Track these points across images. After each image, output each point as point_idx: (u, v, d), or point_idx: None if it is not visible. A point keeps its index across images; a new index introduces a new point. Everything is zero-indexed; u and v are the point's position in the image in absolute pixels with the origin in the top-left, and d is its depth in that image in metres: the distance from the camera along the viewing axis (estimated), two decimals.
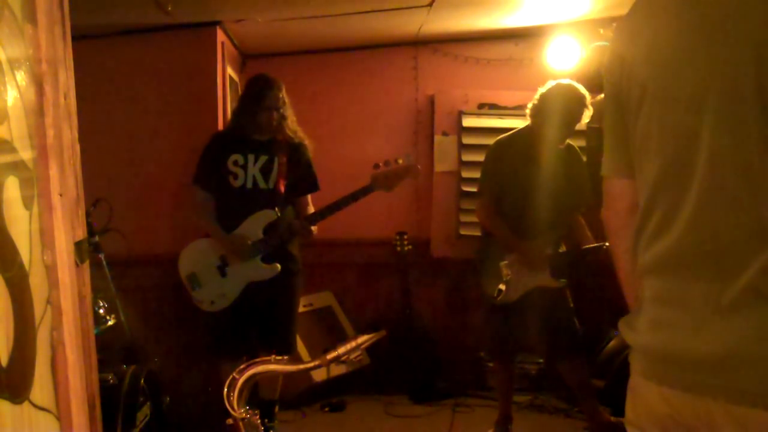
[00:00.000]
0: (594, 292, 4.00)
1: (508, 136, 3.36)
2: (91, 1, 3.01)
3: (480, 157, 3.47)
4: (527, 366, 4.09)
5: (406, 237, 4.24)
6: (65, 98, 1.37)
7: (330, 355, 1.42)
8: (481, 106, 4.36)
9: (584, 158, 3.47)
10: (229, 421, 1.38)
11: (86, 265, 1.52)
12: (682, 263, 1.09)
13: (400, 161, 3.14)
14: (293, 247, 3.30)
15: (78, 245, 1.40)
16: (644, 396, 1.15)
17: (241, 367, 1.40)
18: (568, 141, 3.32)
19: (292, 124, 3.27)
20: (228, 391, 1.37)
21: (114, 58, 3.78)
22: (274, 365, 1.42)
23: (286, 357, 1.46)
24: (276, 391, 3.35)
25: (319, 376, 3.90)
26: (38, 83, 1.22)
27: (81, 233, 1.47)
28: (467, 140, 4.32)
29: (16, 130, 1.09)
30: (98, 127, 3.49)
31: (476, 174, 3.48)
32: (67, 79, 1.40)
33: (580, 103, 3.16)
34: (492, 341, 3.47)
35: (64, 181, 1.32)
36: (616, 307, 1.43)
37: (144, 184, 3.85)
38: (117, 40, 3.80)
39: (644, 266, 1.16)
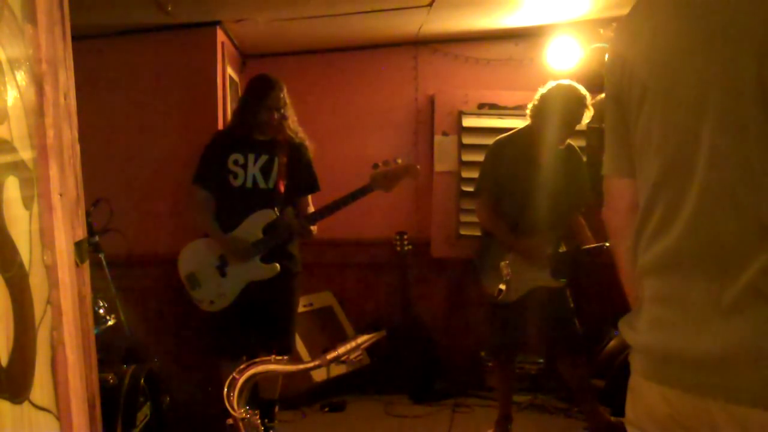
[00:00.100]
0: (594, 292, 4.00)
1: (508, 136, 3.36)
2: (91, 1, 3.01)
3: (480, 157, 3.46)
4: (527, 366, 4.09)
5: (406, 237, 4.24)
6: (65, 98, 1.38)
7: (330, 355, 1.42)
8: (481, 106, 4.36)
9: (584, 158, 3.47)
10: (229, 421, 1.38)
11: (86, 265, 1.52)
12: (683, 263, 1.09)
13: (399, 161, 3.14)
14: (293, 247, 3.30)
15: (78, 245, 1.40)
16: (644, 396, 1.15)
17: (241, 367, 1.40)
18: (568, 141, 3.32)
19: (293, 124, 3.27)
20: (228, 391, 1.37)
21: (114, 58, 3.78)
22: (274, 365, 1.42)
23: (286, 357, 1.46)
24: (276, 391, 3.36)
25: (319, 376, 3.90)
26: (38, 83, 1.22)
27: (81, 233, 1.47)
28: (467, 140, 4.32)
29: (16, 130, 1.09)
30: (98, 128, 3.49)
31: (476, 174, 3.48)
32: (67, 79, 1.40)
33: (580, 104, 3.16)
34: (492, 341, 3.47)
35: (64, 181, 1.32)
36: (616, 307, 1.43)
37: (144, 184, 3.85)
38: (117, 40, 3.80)
39: (644, 266, 1.16)
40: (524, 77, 4.24)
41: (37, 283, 1.13)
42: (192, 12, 3.58)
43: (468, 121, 4.33)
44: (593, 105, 3.21)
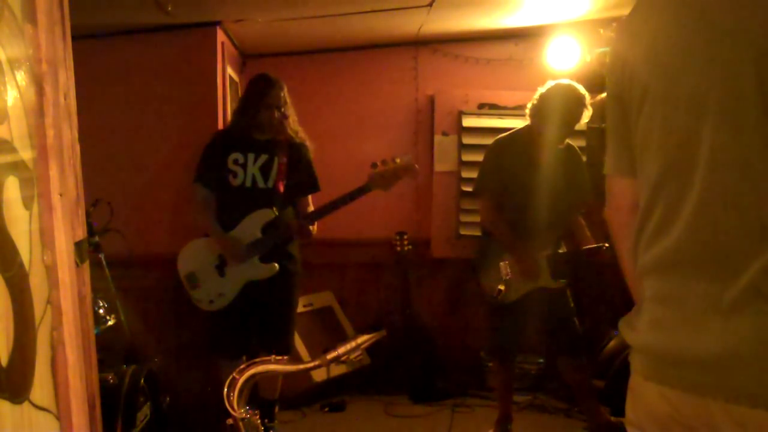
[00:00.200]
0: (594, 292, 4.00)
1: (508, 135, 3.36)
2: (91, 1, 3.01)
3: (480, 157, 3.46)
4: (527, 366, 4.09)
5: (406, 237, 4.24)
6: (65, 98, 1.37)
7: (330, 355, 1.42)
8: (481, 106, 4.36)
9: (584, 158, 3.47)
10: (229, 421, 1.38)
11: (86, 265, 1.52)
12: (683, 263, 1.09)
13: (398, 160, 3.13)
14: (293, 247, 3.30)
15: (78, 245, 1.40)
16: (644, 396, 1.15)
17: (241, 367, 1.40)
18: (568, 141, 3.32)
19: (293, 124, 3.27)
20: (228, 391, 1.37)
21: (114, 58, 3.78)
22: (274, 365, 1.42)
23: (286, 357, 1.46)
24: (276, 391, 3.36)
25: (319, 376, 3.90)
26: (38, 83, 1.22)
27: (81, 233, 1.47)
28: (467, 140, 4.32)
29: (16, 130, 1.09)
30: (98, 127, 3.49)
31: (476, 174, 3.48)
32: (67, 79, 1.40)
33: (579, 104, 3.16)
34: (492, 341, 3.47)
35: (64, 181, 1.32)
36: (616, 307, 1.43)
37: (144, 184, 3.85)
38: (117, 40, 3.80)
39: (645, 266, 1.16)
40: (524, 77, 4.24)
41: (37, 283, 1.13)
42: (192, 12, 3.58)
43: (468, 121, 4.33)
44: (593, 105, 3.22)
